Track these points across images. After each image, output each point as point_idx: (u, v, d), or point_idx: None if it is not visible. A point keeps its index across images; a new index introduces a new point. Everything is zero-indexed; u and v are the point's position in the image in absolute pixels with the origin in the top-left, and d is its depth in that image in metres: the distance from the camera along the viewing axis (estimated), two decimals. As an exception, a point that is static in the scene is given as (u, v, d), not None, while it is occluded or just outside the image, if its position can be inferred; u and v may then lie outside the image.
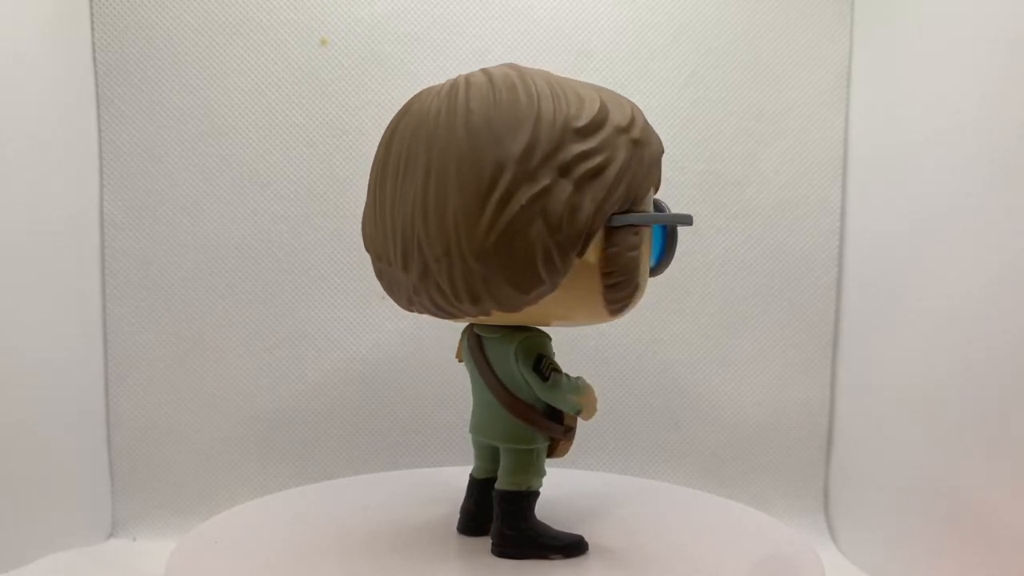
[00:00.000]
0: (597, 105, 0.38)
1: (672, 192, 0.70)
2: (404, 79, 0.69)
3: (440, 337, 0.70)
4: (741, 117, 0.71)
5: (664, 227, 0.44)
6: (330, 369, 0.70)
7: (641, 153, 0.39)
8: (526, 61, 0.42)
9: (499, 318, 0.41)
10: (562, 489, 0.54)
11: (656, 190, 0.43)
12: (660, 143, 0.42)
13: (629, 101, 0.41)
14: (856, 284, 0.71)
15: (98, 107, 0.67)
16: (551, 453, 0.44)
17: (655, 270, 0.44)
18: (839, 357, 0.73)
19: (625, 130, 0.39)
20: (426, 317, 0.42)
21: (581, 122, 0.38)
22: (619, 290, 0.40)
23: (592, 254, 0.39)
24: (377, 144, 0.42)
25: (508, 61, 0.41)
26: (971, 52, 0.56)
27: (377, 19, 0.69)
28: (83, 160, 0.67)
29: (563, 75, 0.40)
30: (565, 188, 0.37)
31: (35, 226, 0.60)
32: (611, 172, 0.38)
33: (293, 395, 0.70)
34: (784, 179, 0.72)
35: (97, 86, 0.67)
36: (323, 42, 0.69)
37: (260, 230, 0.69)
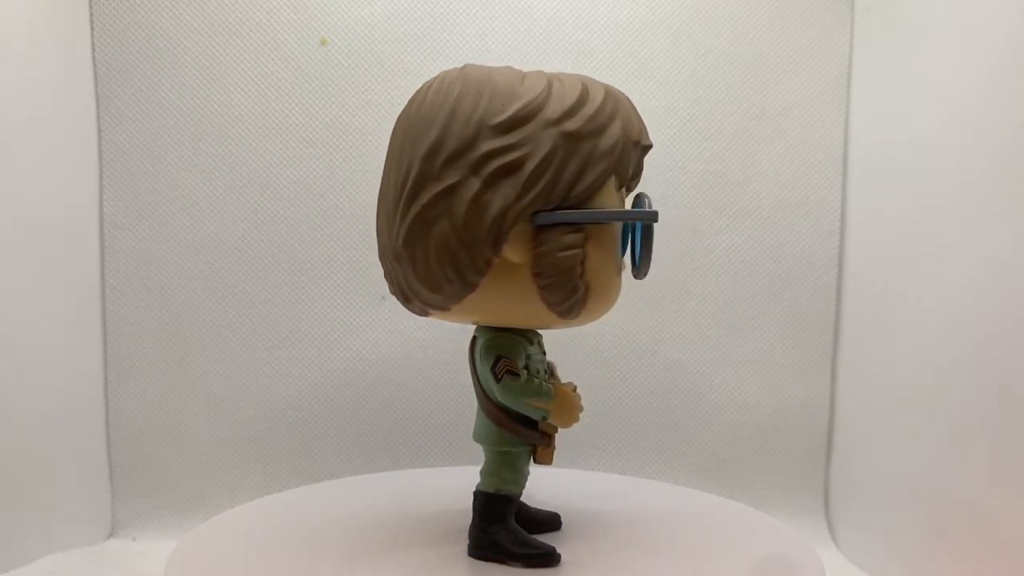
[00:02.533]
0: (528, 99, 0.37)
1: (673, 192, 0.70)
2: (404, 79, 0.69)
3: (440, 337, 0.70)
4: (741, 117, 0.71)
5: (639, 225, 0.41)
6: (330, 369, 0.70)
7: (577, 146, 0.37)
8: (526, 61, 0.42)
9: (480, 318, 0.41)
10: (562, 489, 0.54)
11: (622, 185, 0.40)
12: (625, 133, 0.39)
13: (587, 89, 0.38)
14: (856, 284, 0.71)
15: (98, 107, 0.67)
16: (534, 459, 0.43)
17: (637, 271, 0.42)
18: (839, 357, 0.72)
19: (555, 123, 0.37)
20: (425, 317, 0.43)
21: (500, 118, 0.36)
22: (555, 292, 0.38)
23: (518, 254, 0.38)
24: (375, 144, 0.43)
25: (508, 61, 0.41)
26: (971, 51, 0.56)
27: (377, 19, 0.69)
28: (83, 160, 0.67)
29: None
30: (473, 186, 0.36)
31: (35, 226, 0.60)
32: (527, 168, 0.36)
33: (293, 395, 0.70)
34: (784, 179, 0.72)
35: (97, 86, 0.67)
36: (323, 42, 0.69)
37: (260, 230, 0.69)
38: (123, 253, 0.68)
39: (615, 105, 0.39)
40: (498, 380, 0.40)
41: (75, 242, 0.66)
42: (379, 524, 0.48)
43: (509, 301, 0.39)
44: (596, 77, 0.41)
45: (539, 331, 0.44)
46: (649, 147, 0.41)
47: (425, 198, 0.37)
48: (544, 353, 0.44)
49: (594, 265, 0.39)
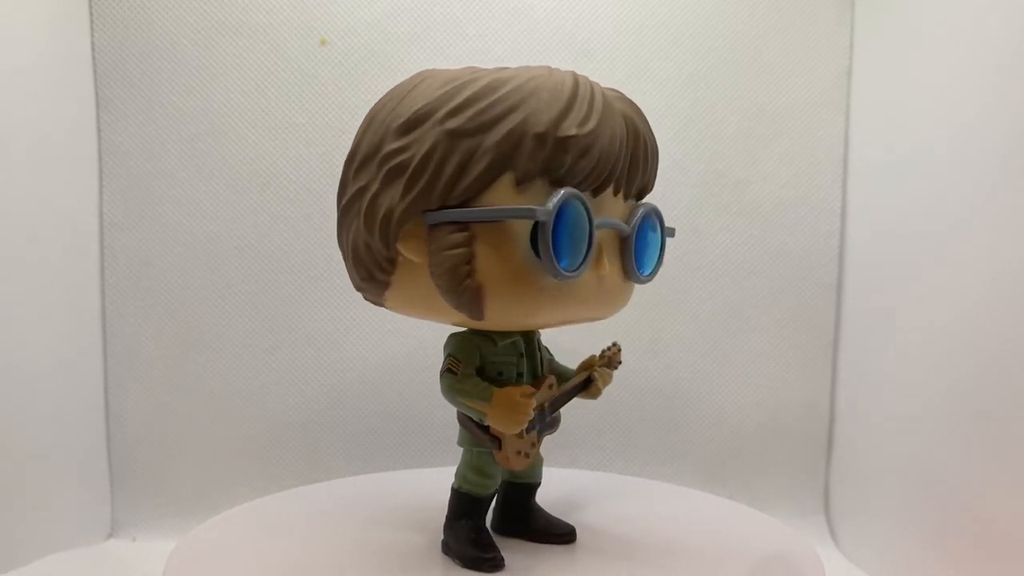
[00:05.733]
0: (429, 99, 0.37)
1: (673, 192, 0.70)
2: (404, 79, 0.69)
3: (440, 338, 0.69)
4: (741, 117, 0.71)
5: (537, 224, 0.36)
6: (330, 369, 0.70)
7: (457, 144, 0.35)
8: (526, 61, 0.42)
9: (417, 315, 0.43)
10: (562, 489, 0.54)
11: (521, 181, 0.36)
12: (525, 126, 0.35)
13: (494, 83, 0.36)
14: (856, 284, 0.71)
15: (98, 107, 0.67)
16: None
17: (562, 274, 0.36)
18: (839, 357, 0.72)
19: (440, 121, 0.36)
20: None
21: (400, 120, 0.37)
22: (446, 292, 0.37)
23: (417, 253, 0.38)
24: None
25: (508, 61, 0.41)
26: (971, 52, 0.56)
27: (377, 19, 0.69)
28: (83, 160, 0.67)
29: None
30: (374, 186, 0.38)
31: (35, 226, 0.60)
32: (411, 167, 0.36)
33: (293, 395, 0.70)
34: (785, 179, 0.72)
35: (97, 86, 0.67)
36: (322, 42, 0.69)
37: (260, 230, 0.69)
38: (123, 254, 0.68)
39: (523, 97, 0.36)
40: (441, 376, 0.41)
41: (75, 243, 0.66)
42: (378, 524, 0.48)
43: (424, 300, 0.39)
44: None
45: (519, 333, 0.43)
46: (569, 138, 0.35)
47: (343, 200, 0.40)
48: (522, 355, 0.43)
49: (486, 265, 0.36)
